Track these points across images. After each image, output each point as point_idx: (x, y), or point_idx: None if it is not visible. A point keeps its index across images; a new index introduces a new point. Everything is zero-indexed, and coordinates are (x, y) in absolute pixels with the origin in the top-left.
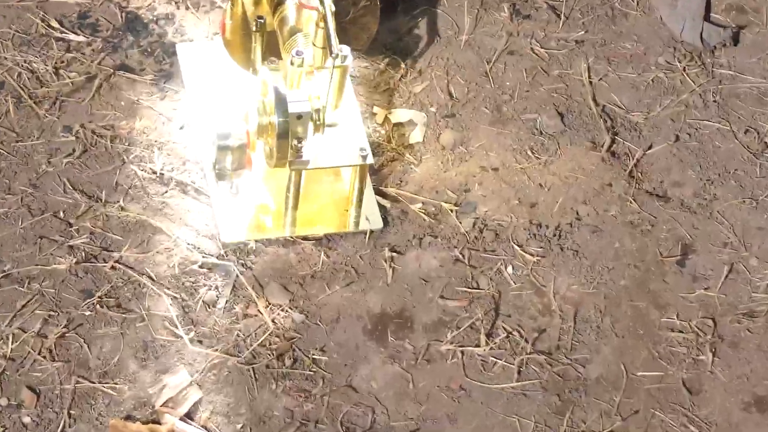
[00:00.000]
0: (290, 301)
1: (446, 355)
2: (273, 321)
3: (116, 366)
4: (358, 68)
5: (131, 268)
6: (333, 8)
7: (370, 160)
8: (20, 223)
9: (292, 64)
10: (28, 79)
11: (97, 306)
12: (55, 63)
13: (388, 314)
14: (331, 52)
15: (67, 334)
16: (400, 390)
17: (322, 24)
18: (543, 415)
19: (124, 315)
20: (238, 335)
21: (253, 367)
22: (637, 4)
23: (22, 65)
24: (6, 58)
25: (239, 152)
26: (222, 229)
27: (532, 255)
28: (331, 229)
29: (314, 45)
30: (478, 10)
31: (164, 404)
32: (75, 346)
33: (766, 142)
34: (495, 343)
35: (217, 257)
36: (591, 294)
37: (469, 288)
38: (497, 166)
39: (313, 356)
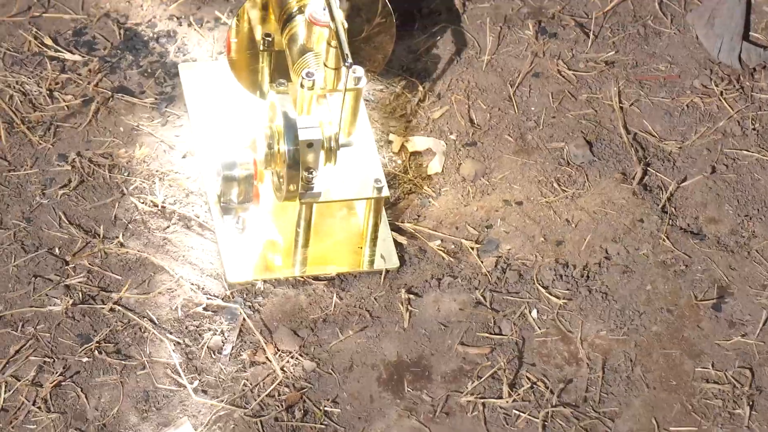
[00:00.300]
0: (300, 347)
1: (466, 408)
2: (282, 369)
3: (115, 418)
4: (373, 91)
5: (131, 310)
6: (346, 25)
7: (386, 192)
8: (13, 261)
9: (302, 86)
10: (21, 102)
11: (95, 352)
12: (49, 84)
13: (404, 362)
14: (344, 60)
15: (63, 383)
16: None
17: (333, 42)
18: None
19: (123, 362)
20: (245, 385)
21: (260, 420)
22: (672, 21)
23: (14, 87)
24: None
25: (246, 183)
26: (228, 268)
27: (558, 298)
28: (343, 268)
29: (326, 66)
30: (501, 28)
31: None
32: (71, 395)
33: None
34: (518, 395)
35: (222, 299)
36: (621, 341)
37: (490, 334)
38: (521, 199)
39: (325, 408)
